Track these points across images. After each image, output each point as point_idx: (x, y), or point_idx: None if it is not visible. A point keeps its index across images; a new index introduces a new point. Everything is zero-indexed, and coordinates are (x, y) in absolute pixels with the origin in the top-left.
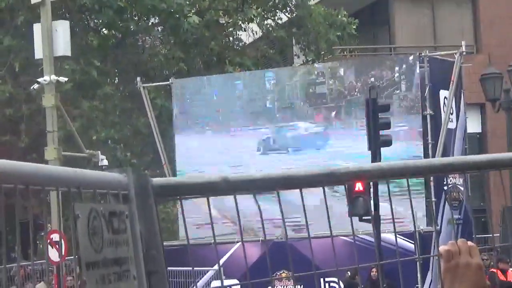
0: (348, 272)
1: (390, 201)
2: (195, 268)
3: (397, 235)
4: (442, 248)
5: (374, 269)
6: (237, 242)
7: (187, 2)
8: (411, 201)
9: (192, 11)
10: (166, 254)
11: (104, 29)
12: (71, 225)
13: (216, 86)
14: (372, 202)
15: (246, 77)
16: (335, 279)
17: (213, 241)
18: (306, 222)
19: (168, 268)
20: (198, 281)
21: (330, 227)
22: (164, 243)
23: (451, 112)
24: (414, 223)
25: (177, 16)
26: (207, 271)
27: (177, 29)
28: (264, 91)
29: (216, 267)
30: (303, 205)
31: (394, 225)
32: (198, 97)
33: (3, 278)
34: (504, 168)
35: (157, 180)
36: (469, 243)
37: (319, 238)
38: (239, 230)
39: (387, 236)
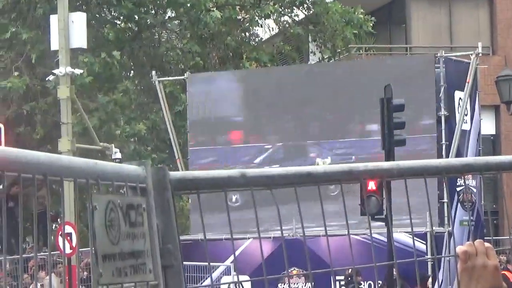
0: (349, 270)
1: (408, 202)
2: (205, 263)
3: (409, 235)
4: (459, 248)
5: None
6: (249, 238)
7: None
8: (428, 201)
9: (211, 6)
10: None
11: (121, 22)
12: (88, 216)
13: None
14: (384, 201)
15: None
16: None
17: (224, 236)
18: (324, 219)
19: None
20: (208, 277)
21: (347, 225)
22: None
23: (466, 113)
24: (431, 223)
25: (198, 10)
26: (218, 266)
27: (197, 24)
28: None
29: (227, 262)
30: (321, 203)
31: (411, 226)
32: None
33: (20, 267)
34: None
35: (175, 174)
36: (486, 244)
37: (332, 236)
38: (257, 225)
39: (398, 236)
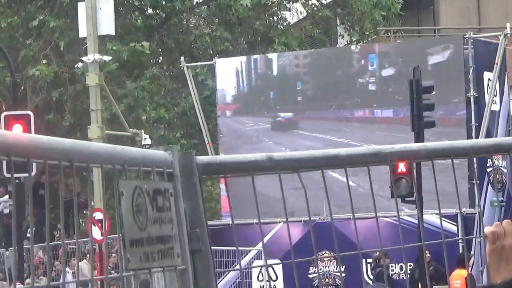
0: (377, 253)
1: (435, 182)
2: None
3: (439, 217)
4: (487, 229)
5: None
6: (279, 222)
7: None
8: (456, 182)
9: None
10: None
11: (148, 9)
12: (115, 202)
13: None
14: (414, 183)
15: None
16: None
17: (255, 221)
18: (351, 202)
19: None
20: (239, 261)
21: (375, 207)
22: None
23: (495, 94)
24: (459, 205)
25: None
26: (249, 251)
27: (228, 10)
28: None
29: (258, 246)
30: (348, 185)
31: (439, 207)
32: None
33: (47, 255)
34: None
35: (201, 158)
36: None
37: (362, 219)
38: (284, 209)
39: (429, 217)
